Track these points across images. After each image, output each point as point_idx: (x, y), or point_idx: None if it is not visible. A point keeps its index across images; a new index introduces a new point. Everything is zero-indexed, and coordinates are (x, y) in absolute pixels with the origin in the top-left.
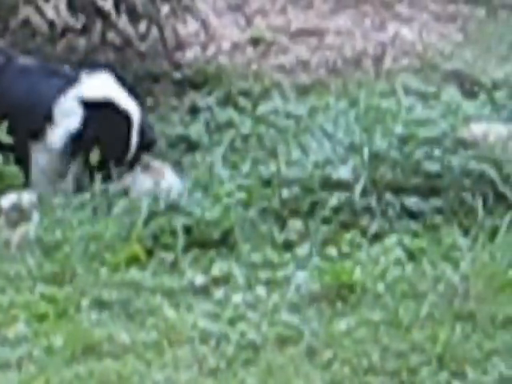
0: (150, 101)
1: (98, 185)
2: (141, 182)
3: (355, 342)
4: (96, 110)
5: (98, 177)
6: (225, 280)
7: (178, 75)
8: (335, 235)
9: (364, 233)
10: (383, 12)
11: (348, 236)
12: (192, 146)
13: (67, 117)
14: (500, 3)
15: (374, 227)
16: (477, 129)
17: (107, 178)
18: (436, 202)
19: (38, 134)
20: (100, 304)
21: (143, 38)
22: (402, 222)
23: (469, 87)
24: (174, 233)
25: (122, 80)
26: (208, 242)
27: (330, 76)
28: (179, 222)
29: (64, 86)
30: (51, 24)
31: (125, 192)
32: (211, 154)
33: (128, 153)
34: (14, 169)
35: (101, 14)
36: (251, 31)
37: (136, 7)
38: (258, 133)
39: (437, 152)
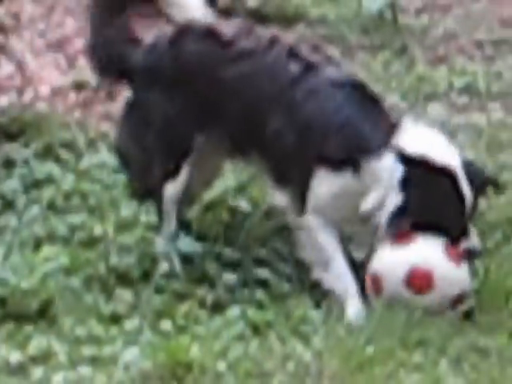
0: None
1: None
2: None
3: None
4: None
5: None
6: (44, 358)
7: None
8: (169, 307)
9: (202, 304)
10: None
11: (184, 308)
12: (6, 205)
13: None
14: None
15: (213, 297)
16: None
17: None
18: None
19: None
20: None
21: None
22: (245, 291)
23: None
24: None
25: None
26: (24, 314)
27: None
28: None
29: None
30: None
31: None
32: (28, 214)
33: None
34: None
35: None
36: (74, 74)
37: None
38: (82, 189)
39: None
